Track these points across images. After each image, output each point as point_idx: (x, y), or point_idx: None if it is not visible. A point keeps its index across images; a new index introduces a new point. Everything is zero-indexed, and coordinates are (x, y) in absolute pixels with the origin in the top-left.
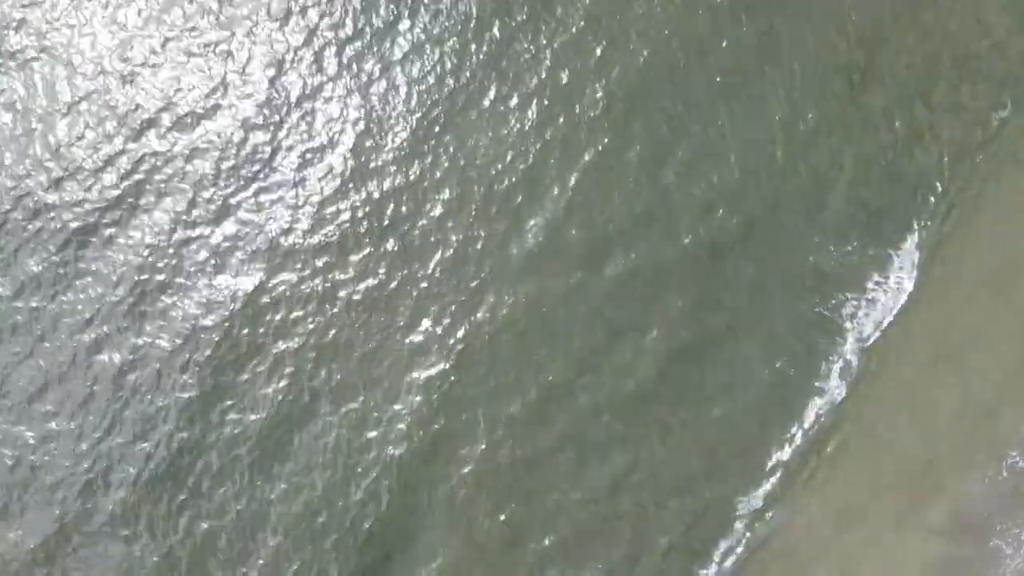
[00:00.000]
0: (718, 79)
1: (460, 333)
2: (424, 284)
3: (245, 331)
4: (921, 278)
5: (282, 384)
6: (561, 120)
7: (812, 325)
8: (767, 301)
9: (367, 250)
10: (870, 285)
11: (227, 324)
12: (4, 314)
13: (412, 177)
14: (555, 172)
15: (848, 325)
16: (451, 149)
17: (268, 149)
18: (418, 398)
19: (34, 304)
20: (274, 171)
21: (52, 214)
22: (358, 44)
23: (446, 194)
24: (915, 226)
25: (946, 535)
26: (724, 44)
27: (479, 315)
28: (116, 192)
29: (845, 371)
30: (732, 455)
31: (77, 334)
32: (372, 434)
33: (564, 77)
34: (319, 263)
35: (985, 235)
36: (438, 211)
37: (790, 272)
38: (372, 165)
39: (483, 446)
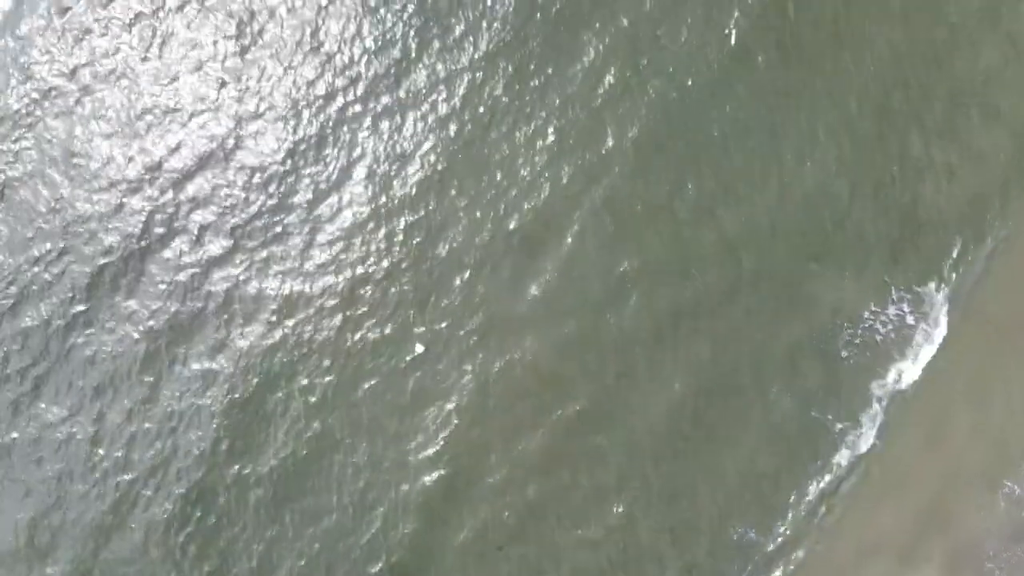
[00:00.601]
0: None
1: (471, 374)
2: (435, 325)
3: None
4: (945, 327)
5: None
6: (574, 161)
7: (835, 373)
8: (789, 345)
9: (376, 294)
10: (894, 332)
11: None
12: None
13: (422, 217)
14: (568, 213)
15: (872, 370)
16: (462, 190)
17: (282, 189)
18: (429, 439)
19: None
20: (288, 211)
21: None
22: (369, 86)
23: (456, 234)
24: (943, 273)
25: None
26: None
27: (492, 356)
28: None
29: (871, 417)
30: (754, 495)
31: None
32: (385, 476)
33: (578, 119)
34: (327, 307)
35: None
36: (445, 250)
37: (812, 317)
38: (381, 208)
39: (495, 486)
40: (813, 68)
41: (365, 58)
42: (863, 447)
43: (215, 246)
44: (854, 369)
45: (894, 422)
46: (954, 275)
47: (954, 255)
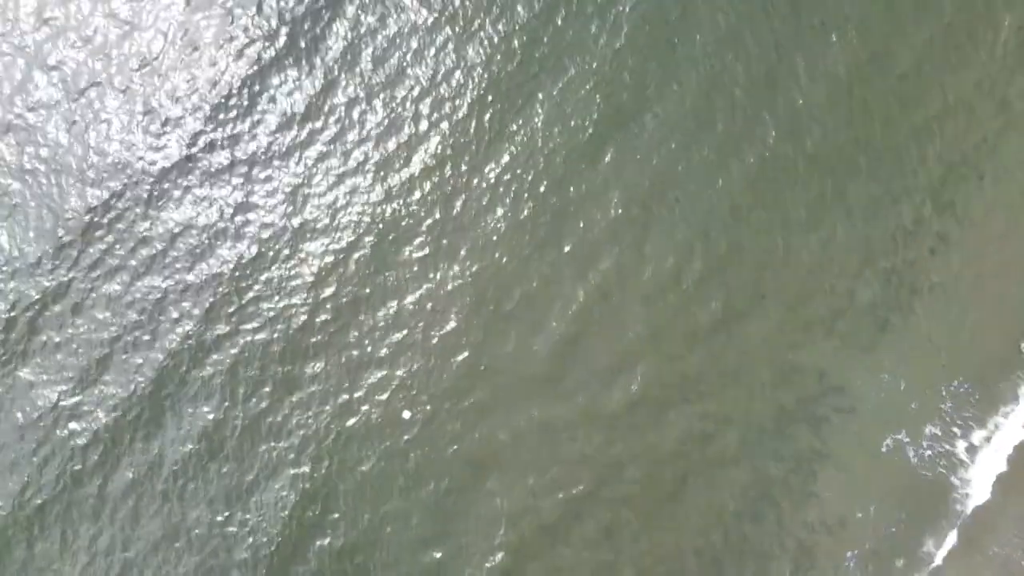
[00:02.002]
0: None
1: (475, 444)
2: (436, 404)
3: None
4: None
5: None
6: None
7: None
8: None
9: (380, 372)
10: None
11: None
12: None
13: (424, 288)
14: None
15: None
16: (463, 260)
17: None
18: (427, 507)
19: None
20: (290, 279)
21: None
22: (367, 150)
23: (458, 307)
24: None
25: None
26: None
27: (493, 431)
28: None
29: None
30: None
31: None
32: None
33: (578, 188)
34: (328, 387)
35: None
36: (451, 326)
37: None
38: (386, 280)
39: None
40: None
41: None
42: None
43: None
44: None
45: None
46: None
47: None
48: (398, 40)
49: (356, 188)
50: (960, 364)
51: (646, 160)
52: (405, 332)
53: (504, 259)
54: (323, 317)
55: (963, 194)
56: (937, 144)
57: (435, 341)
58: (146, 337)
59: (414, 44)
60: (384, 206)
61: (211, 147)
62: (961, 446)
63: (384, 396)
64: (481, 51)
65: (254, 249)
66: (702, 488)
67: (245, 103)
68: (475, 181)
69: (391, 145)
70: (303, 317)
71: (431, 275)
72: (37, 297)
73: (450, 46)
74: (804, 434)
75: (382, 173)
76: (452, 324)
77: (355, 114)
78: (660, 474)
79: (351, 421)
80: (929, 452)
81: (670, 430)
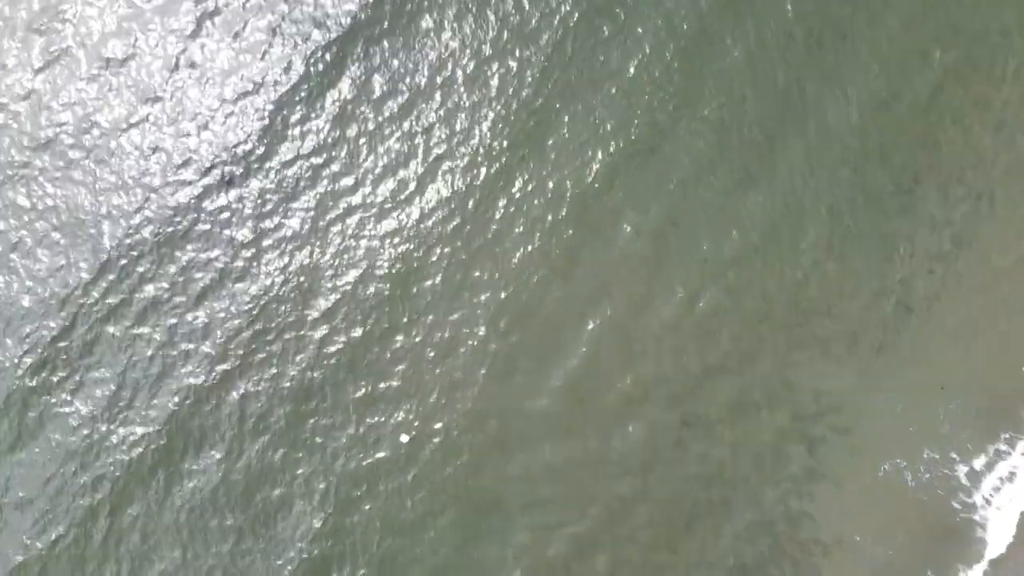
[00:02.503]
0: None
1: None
2: (442, 439)
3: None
4: None
5: None
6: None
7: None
8: None
9: (387, 407)
10: None
11: None
12: None
13: (433, 321)
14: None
15: None
16: (475, 291)
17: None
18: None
19: None
20: (300, 316)
21: None
22: (377, 184)
23: (462, 351)
24: None
25: None
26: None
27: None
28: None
29: None
30: None
31: None
32: None
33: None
34: (336, 422)
35: None
36: (457, 376)
37: None
38: (394, 314)
39: None
40: None
41: None
42: None
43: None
44: None
45: None
46: None
47: None
48: (408, 76)
49: (364, 222)
50: (959, 387)
51: (658, 191)
52: (414, 365)
53: (515, 292)
54: (333, 349)
55: (963, 215)
56: (937, 169)
57: (442, 374)
58: (156, 376)
59: (424, 82)
60: (394, 241)
61: (222, 185)
62: (961, 471)
63: (390, 430)
64: (493, 86)
65: (265, 285)
66: (705, 515)
67: (255, 140)
68: (488, 213)
69: (401, 180)
70: (313, 352)
71: (442, 308)
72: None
73: (461, 79)
74: (801, 455)
75: (391, 208)
76: (459, 370)
77: (364, 150)
78: (665, 502)
79: (359, 457)
80: (928, 476)
81: (679, 463)
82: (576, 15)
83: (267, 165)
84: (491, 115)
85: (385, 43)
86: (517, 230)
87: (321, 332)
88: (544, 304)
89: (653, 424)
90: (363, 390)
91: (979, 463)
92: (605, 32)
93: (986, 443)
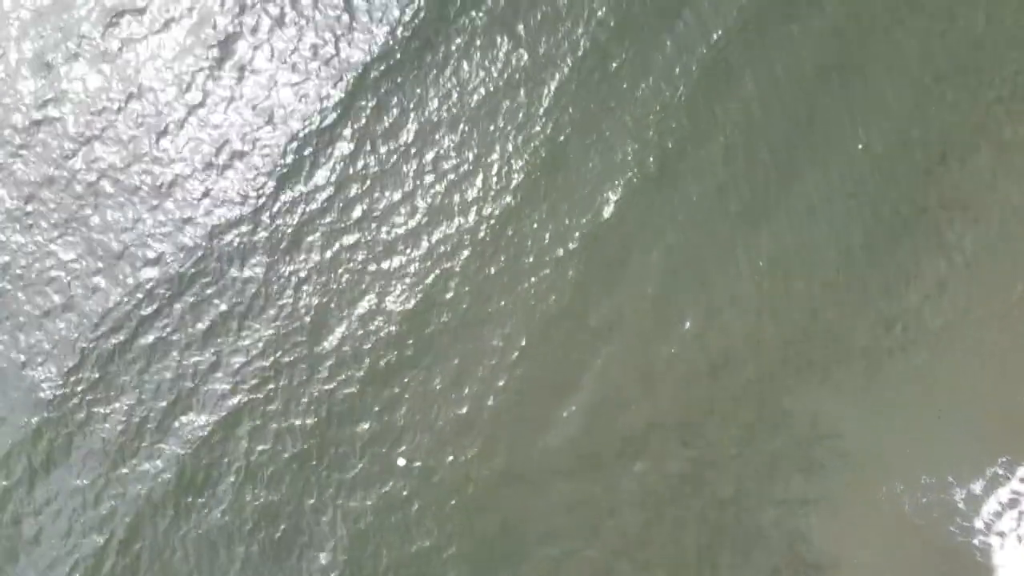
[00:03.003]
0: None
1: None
2: (449, 475)
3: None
4: None
5: None
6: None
7: None
8: None
9: (400, 439)
10: None
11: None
12: None
13: (443, 357)
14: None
15: None
16: (486, 327)
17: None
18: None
19: None
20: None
21: None
22: (389, 219)
23: (466, 390)
24: None
25: None
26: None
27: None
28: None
29: None
30: None
31: None
32: None
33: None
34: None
35: None
36: (464, 409)
37: None
38: (405, 352)
39: None
40: None
41: None
42: None
43: None
44: None
45: None
46: None
47: None
48: (419, 109)
49: (371, 258)
50: (958, 413)
51: (670, 223)
52: (422, 399)
53: (526, 330)
54: (340, 382)
55: (963, 237)
56: (936, 189)
57: (449, 406)
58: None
59: (435, 115)
60: (402, 274)
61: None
62: (959, 495)
63: (400, 462)
64: (505, 117)
65: (273, 320)
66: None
67: (271, 180)
68: (499, 245)
69: (413, 216)
70: (321, 386)
71: (453, 344)
72: None
73: (472, 111)
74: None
75: (402, 246)
76: (465, 408)
77: (378, 186)
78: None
79: (369, 494)
80: (925, 500)
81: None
82: (587, 45)
83: (279, 198)
84: (504, 147)
85: (398, 78)
86: (528, 261)
87: (328, 364)
88: (554, 337)
89: (661, 454)
90: (370, 423)
91: (977, 488)
92: (615, 63)
93: (985, 468)
